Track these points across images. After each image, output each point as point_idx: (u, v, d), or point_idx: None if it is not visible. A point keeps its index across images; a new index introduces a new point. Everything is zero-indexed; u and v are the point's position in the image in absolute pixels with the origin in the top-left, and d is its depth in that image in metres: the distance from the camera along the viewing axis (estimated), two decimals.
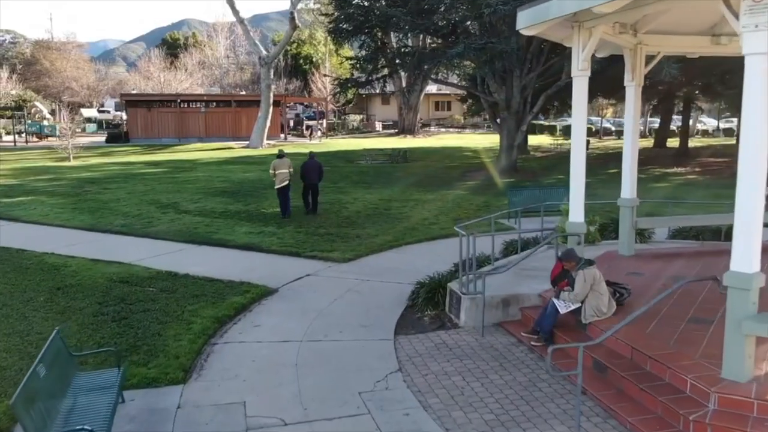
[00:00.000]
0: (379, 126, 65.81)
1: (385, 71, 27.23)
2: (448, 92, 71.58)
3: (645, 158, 32.77)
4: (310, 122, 53.23)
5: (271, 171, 17.67)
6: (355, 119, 65.60)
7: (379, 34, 25.91)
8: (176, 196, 21.00)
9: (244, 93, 62.31)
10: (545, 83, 26.66)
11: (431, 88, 66.39)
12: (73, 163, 32.10)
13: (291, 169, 17.44)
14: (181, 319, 9.31)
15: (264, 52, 40.92)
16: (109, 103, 71.75)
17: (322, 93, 59.47)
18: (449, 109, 76.01)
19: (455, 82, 32.79)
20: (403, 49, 23.94)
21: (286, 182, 17.20)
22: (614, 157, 37.03)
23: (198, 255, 13.62)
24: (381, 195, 21.58)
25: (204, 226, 16.24)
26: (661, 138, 44.16)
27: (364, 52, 26.18)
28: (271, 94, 41.17)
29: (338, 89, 28.94)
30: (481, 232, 15.08)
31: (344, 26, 25.56)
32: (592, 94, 37.34)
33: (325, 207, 19.05)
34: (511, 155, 27.20)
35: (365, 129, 62.77)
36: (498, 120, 27.84)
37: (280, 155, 17.71)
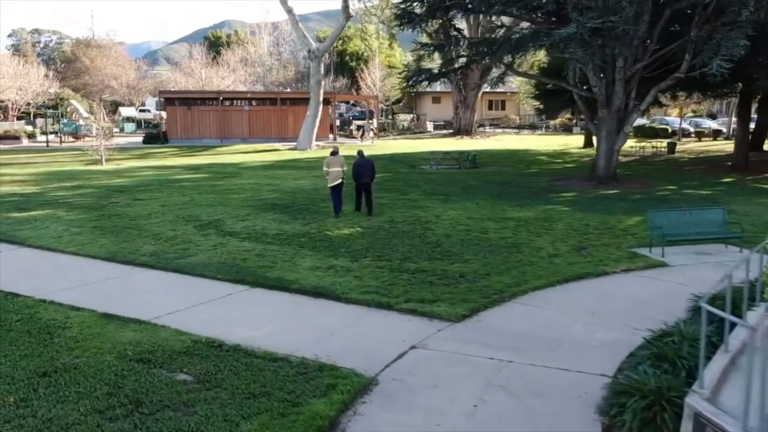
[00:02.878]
0: (430, 126, 61.73)
1: (461, 61, 23.11)
2: (503, 90, 66.92)
3: (747, 164, 28.04)
4: (360, 122, 49.42)
5: (324, 168, 16.65)
6: (404, 119, 61.61)
7: (459, 16, 21.89)
8: (219, 211, 17.30)
9: (288, 90, 58.92)
10: (651, 76, 22.21)
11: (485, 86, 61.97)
12: (104, 166, 28.87)
13: (344, 168, 16.60)
14: None
15: (314, 45, 37.20)
16: (150, 102, 69.25)
17: (371, 91, 55.69)
18: (503, 108, 71.44)
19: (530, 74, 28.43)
20: (493, 34, 19.59)
21: (339, 181, 16.36)
22: (708, 162, 32.29)
23: (250, 305, 9.79)
24: (467, 211, 17.52)
25: (255, 257, 12.43)
26: (757, 139, 38.91)
27: (441, 38, 22.08)
28: (321, 91, 37.46)
29: (406, 82, 24.92)
30: (609, 258, 10.88)
31: (415, 8, 21.51)
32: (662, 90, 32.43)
33: (404, 228, 15.10)
34: (611, 161, 22.83)
35: (417, 129, 58.71)
36: (594, 120, 23.48)
37: (334, 152, 16.81)
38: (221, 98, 42.04)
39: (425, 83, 23.50)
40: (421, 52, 24.77)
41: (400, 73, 25.74)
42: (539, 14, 19.43)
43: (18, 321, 8.72)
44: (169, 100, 42.50)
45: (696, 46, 19.28)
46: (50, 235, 14.34)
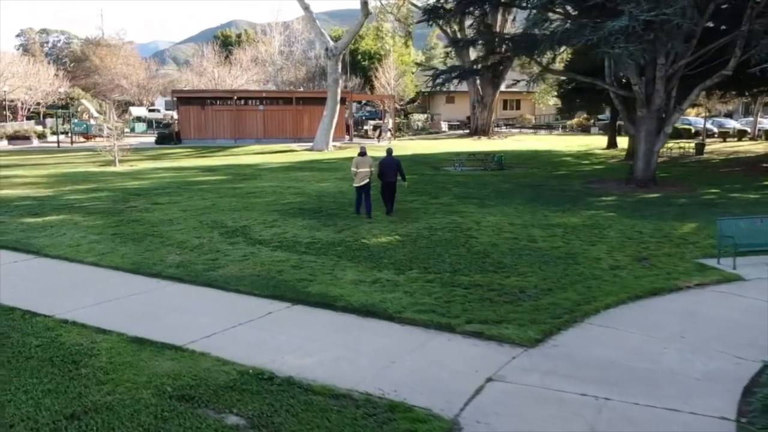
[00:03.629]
0: (444, 126, 60.59)
1: (492, 58, 21.99)
2: (517, 90, 65.62)
3: None
4: (376, 122, 48.37)
5: (353, 169, 16.45)
6: (418, 119, 60.46)
7: (488, 9, 20.79)
8: (244, 216, 16.30)
9: (301, 89, 57.90)
10: (692, 74, 21.08)
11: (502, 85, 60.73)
12: (118, 168, 27.93)
13: (372, 168, 16.39)
14: None
15: (331, 43, 36.18)
16: (159, 102, 68.52)
17: (385, 90, 54.60)
18: (518, 108, 70.25)
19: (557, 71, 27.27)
20: (539, 29, 18.29)
21: (366, 181, 16.19)
22: (742, 163, 31.09)
23: (295, 326, 8.76)
24: (507, 217, 16.46)
25: (291, 268, 11.41)
26: None
27: (470, 33, 20.96)
28: (339, 90, 36.44)
29: (432, 81, 23.83)
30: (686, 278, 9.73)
31: (446, 3, 20.40)
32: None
33: (445, 236, 14.05)
34: (650, 163, 21.72)
35: (432, 129, 57.59)
36: (632, 119, 22.36)
37: (362, 153, 16.58)
38: (235, 98, 41.04)
39: (455, 81, 22.49)
40: (449, 49, 23.64)
41: (422, 70, 24.51)
42: (583, 7, 18.18)
43: (38, 347, 7.72)
44: (183, 99, 41.55)
45: (748, 40, 18.15)
46: (67, 243, 13.35)
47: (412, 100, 63.50)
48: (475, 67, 21.69)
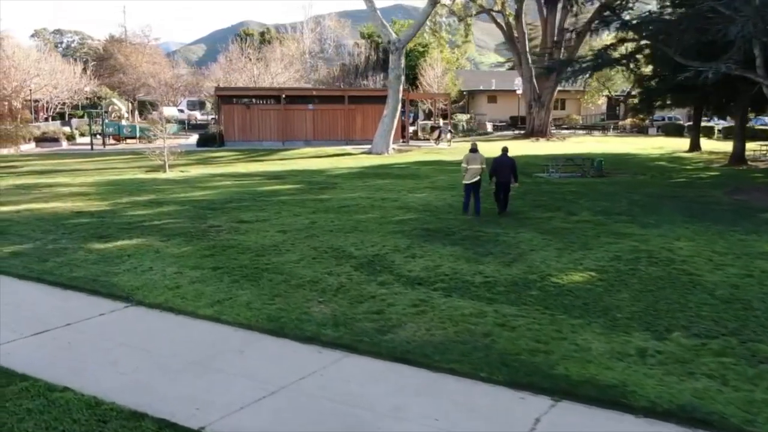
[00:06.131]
0: (489, 127, 57.10)
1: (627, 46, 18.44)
2: (562, 88, 62.03)
3: None
4: (431, 122, 44.97)
5: (463, 165, 15.92)
6: (462, 120, 56.99)
7: None
8: (364, 240, 12.91)
9: (341, 86, 54.53)
10: None
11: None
12: (169, 174, 24.69)
13: (483, 165, 15.76)
14: None
15: (394, 35, 32.86)
16: (182, 103, 65.51)
17: (430, 88, 51.27)
18: (564, 108, 66.57)
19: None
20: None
21: (477, 178, 15.62)
22: None
23: None
24: (693, 241, 12.98)
25: (498, 328, 8.04)
26: None
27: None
28: (401, 88, 33.07)
29: (558, 74, 20.37)
30: None
31: None
32: None
33: (652, 272, 10.62)
34: None
35: (479, 130, 54.08)
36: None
37: (474, 149, 15.97)
38: (284, 96, 37.68)
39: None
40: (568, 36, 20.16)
41: (533, 62, 21.04)
42: None
43: None
44: (226, 98, 38.29)
45: None
46: (162, 283, 10.02)
47: (455, 101, 60.09)
48: (603, 58, 18.25)
